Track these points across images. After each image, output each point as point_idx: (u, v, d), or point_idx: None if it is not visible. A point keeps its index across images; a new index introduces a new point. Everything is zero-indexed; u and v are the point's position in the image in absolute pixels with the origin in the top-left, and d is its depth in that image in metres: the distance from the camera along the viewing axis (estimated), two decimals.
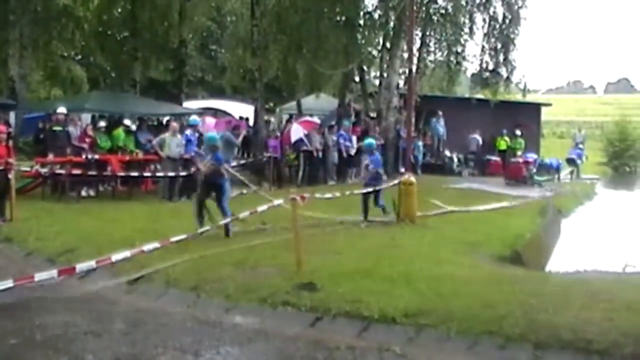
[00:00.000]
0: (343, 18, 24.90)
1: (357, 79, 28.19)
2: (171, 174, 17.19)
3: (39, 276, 7.94)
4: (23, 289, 8.13)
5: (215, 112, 31.12)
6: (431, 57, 27.17)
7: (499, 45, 26.88)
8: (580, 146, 32.21)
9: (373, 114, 27.20)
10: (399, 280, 8.59)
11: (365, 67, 28.43)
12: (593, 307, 7.27)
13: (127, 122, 19.38)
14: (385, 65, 25.99)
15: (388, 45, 25.93)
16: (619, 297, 7.61)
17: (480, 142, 28.29)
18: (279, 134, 23.13)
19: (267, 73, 26.07)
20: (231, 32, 30.07)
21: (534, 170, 24.79)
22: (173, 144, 17.38)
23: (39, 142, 18.14)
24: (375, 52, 27.79)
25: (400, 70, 25.24)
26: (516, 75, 27.80)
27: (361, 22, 25.82)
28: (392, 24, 25.12)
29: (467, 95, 31.96)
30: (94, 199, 16.79)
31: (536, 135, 30.82)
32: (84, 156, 17.17)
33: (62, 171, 16.39)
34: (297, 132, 21.92)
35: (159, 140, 17.69)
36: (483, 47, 26.90)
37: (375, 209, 13.94)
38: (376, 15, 25.75)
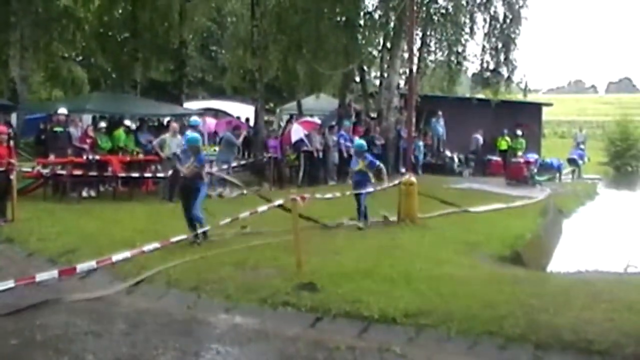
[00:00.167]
0: (343, 18, 24.86)
1: (357, 79, 28.17)
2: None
3: (40, 276, 7.94)
4: (24, 289, 8.16)
5: (216, 113, 31.16)
6: (432, 57, 27.14)
7: (500, 45, 26.85)
8: (582, 146, 32.19)
9: (374, 114, 27.18)
10: (399, 280, 8.60)
11: (365, 67, 28.40)
12: (594, 307, 7.27)
13: (127, 122, 19.38)
14: (385, 66, 25.97)
15: (388, 45, 25.91)
16: (620, 298, 7.61)
17: (482, 142, 28.27)
18: (280, 133, 23.14)
19: (268, 73, 26.09)
20: (231, 33, 30.08)
21: (535, 170, 24.77)
22: (173, 144, 17.37)
23: (40, 143, 18.19)
24: (375, 52, 27.77)
25: (401, 70, 25.21)
26: (517, 75, 27.77)
27: (361, 22, 25.78)
28: (392, 24, 25.08)
29: (467, 95, 31.94)
30: (95, 200, 16.80)
31: (537, 135, 30.79)
32: (84, 157, 17.18)
33: (63, 172, 16.42)
34: (297, 132, 21.91)
35: (159, 140, 17.71)
36: (484, 46, 26.89)
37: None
38: (376, 16, 25.72)
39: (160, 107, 23.17)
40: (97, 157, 17.47)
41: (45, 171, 16.44)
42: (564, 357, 6.34)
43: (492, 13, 26.69)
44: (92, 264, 8.73)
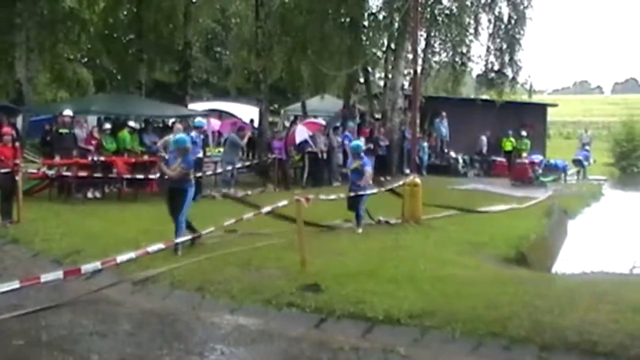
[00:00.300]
0: (347, 19, 24.87)
1: (361, 80, 28.14)
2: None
3: (44, 277, 7.96)
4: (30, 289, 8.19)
5: (220, 114, 31.22)
6: (436, 58, 27.13)
7: (505, 46, 26.81)
8: (587, 147, 32.09)
9: (378, 115, 27.18)
10: (403, 281, 8.60)
11: (370, 68, 28.37)
12: (599, 308, 7.24)
13: (131, 123, 19.42)
14: (390, 66, 26.01)
15: (393, 46, 25.92)
16: (625, 299, 7.59)
17: (486, 143, 28.23)
18: (284, 134, 23.15)
19: (272, 74, 26.13)
20: (236, 34, 30.10)
21: (540, 171, 24.73)
22: None
23: (45, 145, 18.20)
24: (380, 53, 27.78)
25: (405, 71, 25.17)
26: (522, 76, 27.82)
27: (365, 23, 25.78)
28: (396, 25, 25.10)
29: (472, 96, 31.90)
30: (100, 201, 16.83)
31: (542, 136, 30.74)
32: (89, 158, 17.22)
33: (69, 173, 16.46)
34: (301, 133, 21.94)
35: (163, 142, 17.69)
36: (488, 47, 26.86)
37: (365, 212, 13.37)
38: (381, 16, 25.72)
39: (164, 108, 23.20)
40: (102, 158, 17.50)
41: (50, 172, 16.50)
42: (568, 359, 6.32)
43: (496, 14, 26.69)
44: (97, 264, 8.74)
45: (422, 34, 25.40)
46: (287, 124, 30.32)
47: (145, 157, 18.79)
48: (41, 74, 24.60)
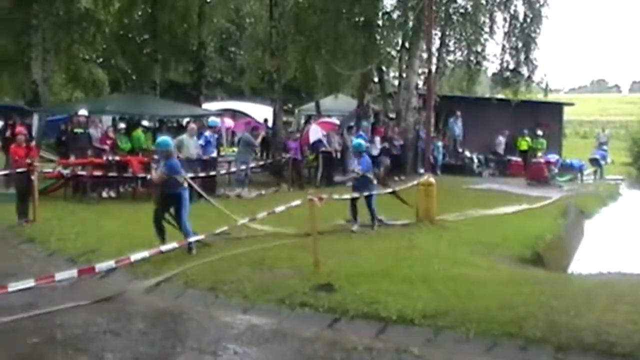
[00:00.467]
0: (361, 18, 24.84)
1: (376, 79, 28.10)
2: (189, 175, 17.23)
3: (59, 275, 8.00)
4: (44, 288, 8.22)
5: (234, 114, 31.27)
6: (451, 57, 27.03)
7: (520, 45, 26.63)
8: (604, 146, 31.81)
9: (392, 115, 27.12)
10: (416, 281, 8.56)
11: (384, 68, 28.32)
12: (616, 309, 7.16)
13: (144, 122, 19.50)
14: (404, 66, 25.92)
15: (407, 45, 25.83)
16: None
17: (503, 143, 28.08)
18: (298, 135, 23.15)
19: (286, 74, 26.11)
20: (250, 34, 30.14)
21: (556, 170, 24.55)
22: (191, 145, 17.45)
23: (61, 144, 18.32)
24: (394, 53, 27.70)
25: (420, 71, 25.10)
26: (538, 75, 27.56)
27: (380, 22, 25.74)
28: (411, 24, 25.00)
29: (487, 95, 31.75)
30: (115, 200, 16.89)
31: (558, 135, 30.50)
32: (104, 158, 17.29)
33: (84, 172, 16.54)
34: (315, 132, 21.92)
35: (177, 141, 17.75)
36: (504, 46, 26.68)
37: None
38: (395, 16, 25.67)
39: (179, 108, 23.26)
40: (117, 157, 17.58)
41: (65, 172, 16.59)
42: None
43: (512, 12, 26.50)
44: (111, 263, 8.76)
45: (436, 33, 25.32)
46: (302, 123, 30.35)
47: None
48: (57, 74, 24.75)
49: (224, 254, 10.22)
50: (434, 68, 25.02)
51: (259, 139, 21.01)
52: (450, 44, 26.68)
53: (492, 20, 26.52)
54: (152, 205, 14.94)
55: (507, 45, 26.67)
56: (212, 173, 17.99)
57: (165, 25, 25.32)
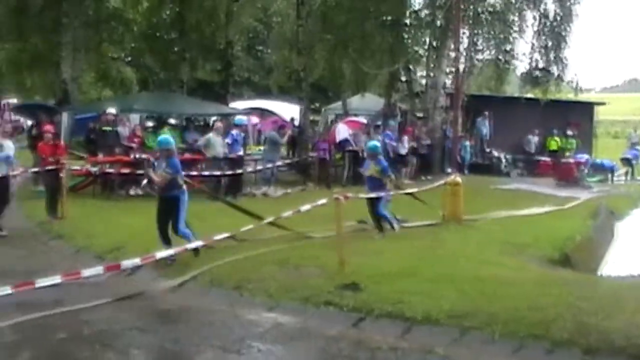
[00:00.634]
0: (389, 17, 24.79)
1: (403, 78, 27.98)
2: (216, 173, 17.34)
3: (85, 272, 8.06)
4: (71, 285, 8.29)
5: (262, 112, 31.31)
6: (479, 56, 26.90)
7: (550, 43, 26.32)
8: (637, 147, 31.28)
9: (420, 114, 27.00)
10: (442, 281, 8.49)
11: (411, 67, 28.19)
12: None
13: (171, 120, 19.61)
14: (432, 65, 25.77)
15: (435, 44, 25.69)
16: None
17: (534, 143, 27.77)
18: (320, 132, 23.15)
19: (313, 73, 26.11)
20: (277, 33, 30.20)
21: (586, 171, 24.22)
22: (217, 144, 17.53)
23: (90, 142, 18.48)
24: (422, 51, 27.57)
25: (448, 70, 24.99)
26: (568, 74, 27.15)
27: (407, 21, 25.68)
28: (439, 22, 24.89)
29: (516, 95, 31.45)
30: (142, 198, 16.98)
31: (589, 135, 30.06)
32: (132, 155, 17.42)
33: (112, 170, 16.68)
34: (342, 131, 21.89)
35: (204, 140, 17.88)
36: (533, 45, 26.39)
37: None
38: (423, 14, 25.61)
39: (206, 107, 23.36)
40: (144, 155, 17.68)
41: (94, 169, 16.75)
42: None
43: (542, 10, 26.18)
44: (137, 261, 8.80)
45: (465, 32, 25.19)
46: (329, 122, 30.33)
47: (187, 155, 18.94)
48: (86, 73, 25.00)
49: (249, 253, 10.20)
50: (462, 67, 24.94)
51: (286, 138, 21.04)
52: (479, 42, 26.53)
53: (522, 18, 26.28)
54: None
55: (536, 44, 26.37)
56: (239, 171, 18.02)
57: (193, 24, 25.43)
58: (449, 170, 21.44)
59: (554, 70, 26.63)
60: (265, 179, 19.68)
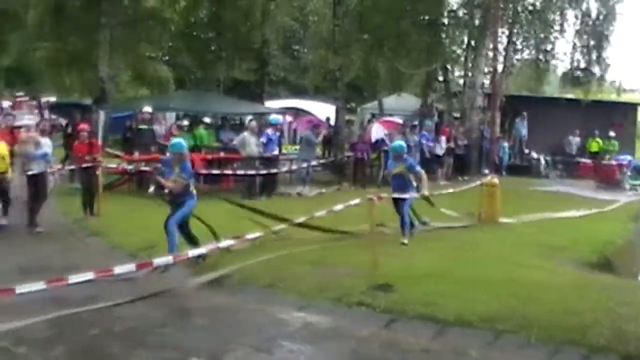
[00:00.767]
0: (426, 17, 24.61)
1: (440, 78, 27.76)
2: (251, 172, 17.37)
3: (117, 269, 8.09)
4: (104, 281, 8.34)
5: (297, 112, 31.32)
6: (518, 56, 26.57)
7: (592, 43, 25.92)
8: None
9: (457, 114, 26.76)
10: (476, 283, 8.36)
11: (449, 66, 27.95)
12: None
13: (206, 119, 19.73)
14: (469, 64, 25.53)
15: (473, 43, 25.43)
16: None
17: (575, 144, 27.30)
18: (359, 133, 23.05)
19: (349, 72, 26.02)
20: (313, 32, 30.21)
21: (629, 173, 23.72)
22: (252, 143, 17.56)
23: (126, 141, 18.67)
24: (459, 51, 27.30)
25: (486, 69, 24.73)
26: (610, 74, 26.77)
27: (445, 20, 25.45)
28: (477, 22, 24.64)
29: (556, 95, 30.99)
30: None
31: (632, 137, 29.42)
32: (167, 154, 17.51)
33: (147, 168, 16.79)
34: (377, 131, 21.80)
35: (240, 139, 17.92)
36: (574, 44, 26.05)
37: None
38: (460, 13, 25.36)
39: (241, 106, 23.45)
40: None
41: (129, 168, 16.89)
42: None
43: (583, 9, 25.82)
44: (169, 258, 8.82)
45: (503, 31, 24.92)
46: (365, 122, 30.21)
47: (222, 154, 19.04)
48: (123, 72, 25.25)
49: (282, 252, 10.19)
50: (500, 67, 24.65)
51: (320, 137, 21.01)
52: (518, 42, 26.20)
53: (563, 17, 25.93)
54: (212, 202, 15.13)
55: (578, 44, 26.02)
56: (273, 171, 18.03)
57: (229, 23, 25.54)
58: (486, 171, 21.22)
59: (596, 70, 26.26)
60: (300, 178, 19.68)
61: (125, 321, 7.60)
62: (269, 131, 18.32)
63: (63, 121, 24.37)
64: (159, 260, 8.67)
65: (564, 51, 26.96)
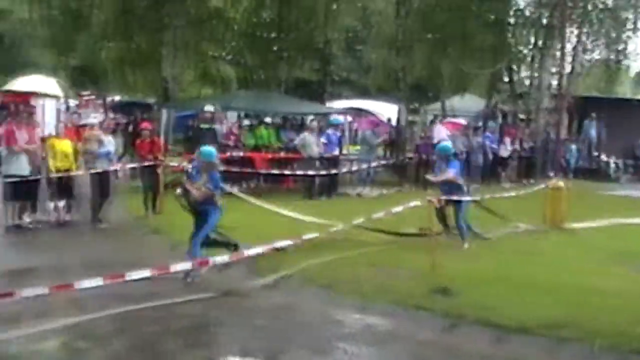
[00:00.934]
0: (492, 16, 24.21)
1: (505, 78, 27.27)
2: (311, 172, 17.36)
3: (174, 267, 8.15)
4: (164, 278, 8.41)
5: (359, 112, 31.14)
6: (588, 56, 25.82)
7: None
8: None
9: (522, 116, 26.23)
10: (539, 289, 8.14)
11: (514, 67, 27.41)
12: None
13: (267, 119, 19.79)
14: (536, 65, 24.99)
15: (540, 43, 24.87)
16: None
17: None
18: (422, 134, 22.82)
19: (412, 73, 25.80)
20: (376, 32, 30.06)
21: None
22: (313, 143, 17.54)
23: (188, 139, 18.87)
24: (526, 51, 26.76)
25: (553, 70, 24.15)
26: None
27: (511, 20, 24.98)
28: (545, 21, 24.12)
29: (628, 96, 30.04)
30: (238, 195, 17.16)
31: None
32: (228, 153, 17.66)
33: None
34: (440, 132, 21.52)
35: (301, 139, 17.92)
36: None
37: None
38: (528, 12, 24.86)
39: (302, 106, 23.42)
40: (241, 153, 17.91)
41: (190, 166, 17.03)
42: None
43: None
44: (226, 257, 8.84)
45: (573, 31, 24.28)
46: (427, 122, 29.90)
47: (282, 154, 19.08)
48: (186, 71, 25.55)
49: (342, 254, 10.16)
50: (569, 67, 24.03)
51: (381, 138, 20.88)
52: (588, 42, 25.47)
53: (637, 15, 25.04)
54: (273, 202, 15.13)
55: None
56: (334, 171, 17.95)
57: (292, 23, 25.61)
58: (552, 174, 20.71)
59: None
60: (361, 179, 19.59)
61: (184, 319, 7.65)
62: (330, 131, 18.28)
63: (123, 120, 24.82)
64: (216, 259, 8.70)
65: (637, 51, 26.14)
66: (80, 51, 27.58)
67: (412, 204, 10.31)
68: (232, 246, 9.50)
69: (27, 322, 7.10)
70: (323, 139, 17.93)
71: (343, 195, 17.85)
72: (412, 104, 31.77)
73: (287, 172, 18.00)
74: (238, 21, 25.40)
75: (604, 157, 25.84)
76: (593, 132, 26.10)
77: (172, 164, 16.42)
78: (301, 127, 20.78)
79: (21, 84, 25.06)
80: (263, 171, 17.79)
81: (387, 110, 29.81)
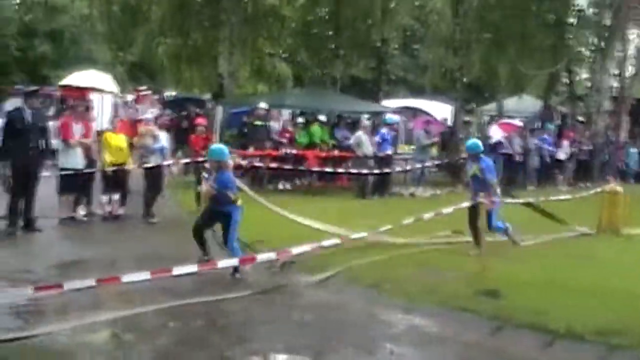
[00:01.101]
0: (551, 16, 23.80)
1: (564, 80, 26.75)
2: (364, 171, 17.34)
3: (221, 264, 8.25)
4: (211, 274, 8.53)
5: (414, 112, 30.96)
6: None
7: None
8: None
9: (581, 118, 25.70)
10: (591, 294, 7.94)
11: (574, 68, 26.86)
12: None
13: (321, 117, 19.84)
14: (597, 66, 24.44)
15: (601, 44, 24.32)
16: None
17: None
18: (477, 135, 22.57)
19: (468, 72, 25.53)
20: (433, 31, 29.80)
21: None
22: (367, 142, 17.52)
23: (242, 136, 19.09)
24: (586, 52, 26.20)
25: (615, 72, 23.60)
26: None
27: (572, 20, 24.51)
28: (606, 22, 23.58)
29: None
30: (290, 192, 17.27)
31: None
32: (281, 150, 17.78)
33: (261, 164, 17.08)
34: (496, 133, 21.27)
35: (356, 138, 17.90)
36: None
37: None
38: (589, 13, 24.33)
39: (357, 104, 23.37)
40: (294, 151, 18.00)
41: (244, 163, 17.22)
42: None
43: None
44: (272, 255, 8.89)
45: (634, 32, 23.69)
46: (483, 123, 29.55)
47: (336, 152, 19.10)
48: (242, 68, 25.73)
49: (389, 254, 10.12)
50: (630, 70, 23.44)
51: (435, 138, 20.76)
52: None
53: None
54: (325, 200, 15.18)
55: None
56: (387, 170, 17.90)
57: (348, 21, 25.60)
58: (610, 177, 20.22)
59: None
60: (414, 179, 19.49)
61: (229, 315, 7.72)
62: (384, 130, 18.22)
63: (174, 115, 25.14)
64: (262, 256, 8.75)
65: None
66: (138, 47, 28.10)
67: (464, 204, 10.22)
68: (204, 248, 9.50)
69: (75, 314, 7.19)
70: (377, 138, 17.90)
71: (396, 195, 17.77)
72: (469, 104, 31.45)
73: (340, 170, 18.01)
74: (294, 19, 25.54)
75: None
76: None
77: None
78: (355, 125, 20.79)
79: (76, 78, 25.57)
80: (316, 169, 17.84)
81: (441, 110, 29.57)
